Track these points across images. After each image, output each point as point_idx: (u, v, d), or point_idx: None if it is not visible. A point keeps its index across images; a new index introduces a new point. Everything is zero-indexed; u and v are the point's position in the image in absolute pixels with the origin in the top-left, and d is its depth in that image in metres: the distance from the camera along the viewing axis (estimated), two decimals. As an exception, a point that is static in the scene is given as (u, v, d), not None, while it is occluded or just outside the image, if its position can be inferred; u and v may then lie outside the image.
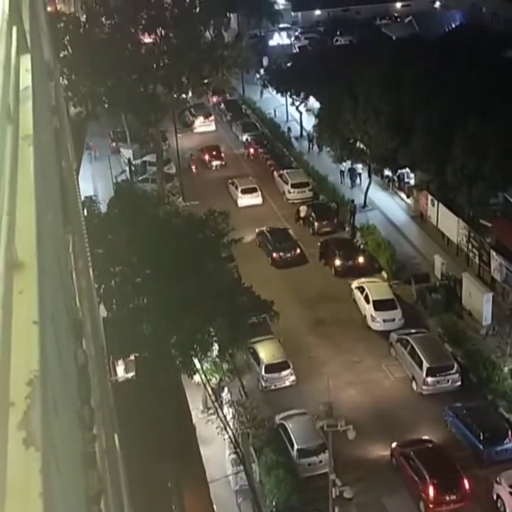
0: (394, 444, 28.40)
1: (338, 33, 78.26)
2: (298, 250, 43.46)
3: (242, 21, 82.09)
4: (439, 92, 40.24)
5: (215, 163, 57.58)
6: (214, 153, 58.57)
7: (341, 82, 47.05)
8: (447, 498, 25.92)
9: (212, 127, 63.73)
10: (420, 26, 70.31)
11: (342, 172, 52.17)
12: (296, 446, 27.96)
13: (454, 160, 38.01)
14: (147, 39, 51.15)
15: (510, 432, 28.14)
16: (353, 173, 51.57)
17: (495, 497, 25.87)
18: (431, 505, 25.81)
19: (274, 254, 42.80)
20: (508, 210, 39.03)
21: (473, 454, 28.10)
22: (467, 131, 36.98)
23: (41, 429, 2.29)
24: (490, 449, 27.68)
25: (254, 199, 51.04)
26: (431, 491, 25.78)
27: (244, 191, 51.23)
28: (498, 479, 26.11)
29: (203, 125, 63.86)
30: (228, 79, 57.10)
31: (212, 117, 64.62)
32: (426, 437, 28.93)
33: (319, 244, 44.32)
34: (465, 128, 37.10)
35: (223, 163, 57.72)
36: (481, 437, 27.89)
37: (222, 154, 58.62)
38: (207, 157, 57.99)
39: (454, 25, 70.41)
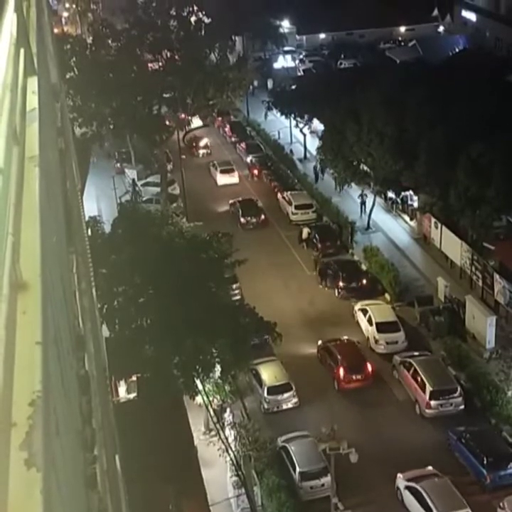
0: (319, 342, 36.15)
1: (342, 56, 78.88)
2: (262, 216, 51.29)
3: (247, 44, 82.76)
4: (443, 115, 40.43)
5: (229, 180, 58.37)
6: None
7: (345, 104, 47.31)
8: (354, 377, 33.05)
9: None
10: (424, 50, 70.83)
11: (363, 204, 51.26)
12: (298, 469, 27.76)
13: (457, 183, 38.12)
14: (153, 61, 51.58)
15: (513, 456, 27.94)
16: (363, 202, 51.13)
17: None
18: (342, 383, 33.33)
19: (242, 220, 50.75)
20: (512, 233, 39.09)
21: (477, 478, 27.85)
22: (471, 155, 37.11)
23: (43, 450, 2.29)
24: (493, 474, 27.43)
25: (232, 178, 58.41)
26: (341, 372, 33.14)
27: (223, 171, 58.74)
28: (501, 504, 25.87)
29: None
30: (233, 100, 57.44)
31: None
32: (345, 337, 36.40)
33: (315, 262, 44.44)
34: (468, 151, 37.24)
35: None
36: (485, 462, 27.66)
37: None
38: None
39: (457, 50, 70.90)
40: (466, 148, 37.60)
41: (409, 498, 26.99)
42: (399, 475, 27.78)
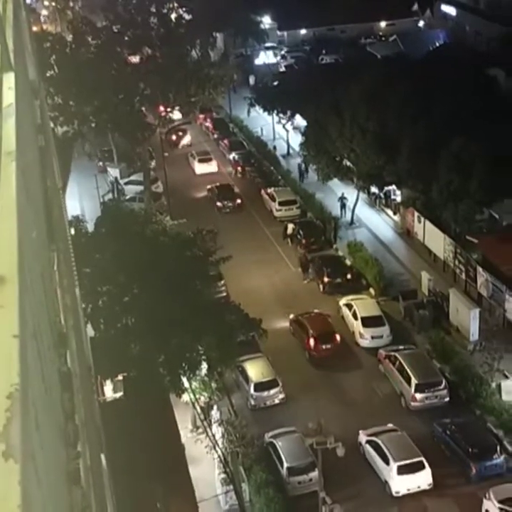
0: (291, 315, 38.09)
1: (324, 51, 78.95)
2: (238, 201, 53.32)
3: (228, 40, 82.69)
4: (425, 110, 40.59)
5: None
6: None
7: (327, 100, 47.38)
8: (324, 347, 35.26)
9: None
10: (405, 45, 71.06)
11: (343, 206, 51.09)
12: (285, 465, 27.83)
13: (439, 177, 38.31)
14: (133, 58, 51.39)
15: (498, 448, 28.12)
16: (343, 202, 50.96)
17: (484, 513, 25.83)
18: (313, 352, 35.44)
19: (218, 204, 53.24)
20: (494, 226, 39.33)
21: (462, 469, 28.04)
22: (452, 149, 37.31)
23: (21, 443, 2.29)
24: (478, 465, 27.62)
25: (210, 167, 59.93)
26: (312, 342, 35.27)
27: (201, 160, 60.42)
28: (486, 495, 26.06)
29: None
30: (215, 97, 57.41)
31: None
32: (317, 310, 38.29)
33: (300, 258, 44.66)
34: (450, 146, 37.43)
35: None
36: (470, 453, 27.86)
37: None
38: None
39: (437, 44, 71.19)
40: (448, 143, 37.79)
41: (369, 451, 28.82)
42: (361, 431, 29.63)
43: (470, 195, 37.23)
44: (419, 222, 45.83)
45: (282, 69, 76.46)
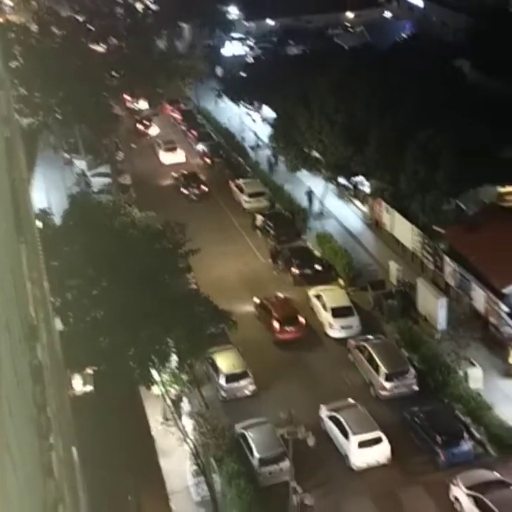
0: (256, 299, 38.76)
1: (291, 42, 78.88)
2: (204, 188, 54.00)
3: (195, 31, 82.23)
4: (392, 101, 40.82)
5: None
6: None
7: (295, 91, 47.39)
8: (288, 329, 36.17)
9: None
10: (371, 36, 71.30)
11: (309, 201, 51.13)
12: (256, 455, 27.92)
13: (407, 168, 38.57)
14: (99, 49, 50.91)
15: (466, 435, 28.51)
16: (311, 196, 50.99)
17: (452, 499, 26.15)
18: (277, 335, 36.37)
19: (184, 191, 54.14)
20: (461, 216, 39.73)
21: (431, 457, 28.38)
22: (420, 140, 37.58)
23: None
24: (447, 452, 27.99)
25: (177, 157, 60.00)
26: (276, 324, 36.14)
27: (167, 150, 60.14)
28: (454, 481, 26.44)
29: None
30: (182, 89, 57.15)
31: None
32: (280, 294, 39.22)
33: (269, 250, 44.86)
34: (417, 137, 37.70)
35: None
36: (438, 440, 28.21)
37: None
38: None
39: (404, 35, 71.52)
40: (415, 134, 38.05)
41: (329, 425, 29.76)
42: (321, 406, 30.61)
43: (437, 186, 37.56)
44: (388, 212, 46.16)
45: (250, 60, 76.28)
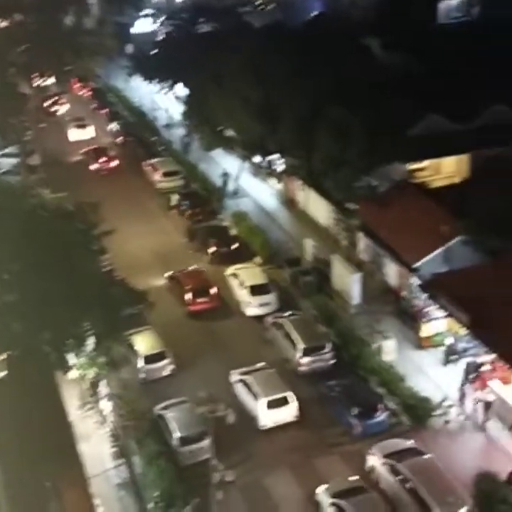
0: (166, 274, 39.16)
1: (202, 20, 78.03)
2: (115, 162, 55.09)
3: (104, 7, 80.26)
4: (305, 79, 41.03)
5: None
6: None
7: (208, 69, 47.06)
8: (200, 300, 36.84)
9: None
10: (283, 14, 71.36)
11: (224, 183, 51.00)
12: (176, 435, 27.93)
13: (320, 146, 38.96)
14: (1, 24, 49.07)
15: (380, 406, 29.30)
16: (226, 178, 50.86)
17: (369, 468, 26.90)
18: (190, 307, 36.88)
19: (94, 166, 54.93)
20: (373, 193, 40.48)
21: (347, 429, 29.07)
22: (331, 118, 37.97)
23: None
24: (362, 423, 28.72)
25: (86, 133, 60.71)
26: (189, 296, 36.81)
27: (76, 126, 60.96)
28: (370, 451, 27.19)
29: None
30: (92, 66, 55.88)
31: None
32: (195, 267, 39.94)
33: (185, 229, 44.89)
34: (329, 114, 38.09)
35: None
36: (354, 412, 28.90)
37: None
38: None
39: (315, 13, 71.90)
40: (327, 112, 38.42)
41: (240, 389, 30.67)
42: (232, 371, 31.54)
43: (349, 164, 38.12)
44: (302, 190, 46.65)
45: (161, 37, 75.11)
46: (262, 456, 28.06)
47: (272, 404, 29.38)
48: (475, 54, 47.54)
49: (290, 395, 29.70)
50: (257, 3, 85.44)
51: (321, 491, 25.76)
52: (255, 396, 29.78)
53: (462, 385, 30.44)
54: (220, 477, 24.09)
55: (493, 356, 29.34)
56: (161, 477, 25.69)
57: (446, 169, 44.60)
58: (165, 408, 29.30)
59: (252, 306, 37.07)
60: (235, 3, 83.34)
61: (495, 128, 42.02)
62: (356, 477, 26.10)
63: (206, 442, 26.29)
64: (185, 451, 27.67)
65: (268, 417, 29.35)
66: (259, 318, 36.39)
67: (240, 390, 30.81)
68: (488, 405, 29.14)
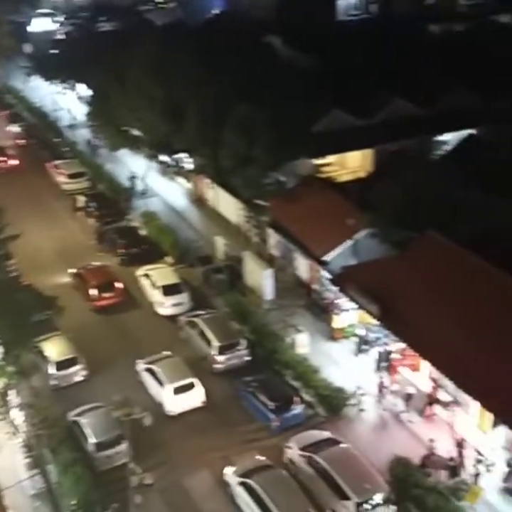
0: (69, 270, 39.10)
1: (103, 19, 76.91)
2: (15, 161, 54.24)
3: None
4: (208, 78, 41.00)
5: None
6: None
7: (110, 69, 46.39)
8: (105, 296, 37.00)
9: None
10: (184, 12, 71.13)
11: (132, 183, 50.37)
12: (92, 441, 27.42)
13: (226, 144, 39.03)
14: None
15: (296, 399, 29.64)
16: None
17: (287, 461, 27.14)
18: (96, 302, 36.97)
19: None
20: (281, 189, 40.88)
21: (265, 424, 29.26)
22: (236, 116, 38.09)
23: None
24: (279, 417, 28.96)
25: None
26: (93, 292, 36.87)
27: None
28: (288, 444, 27.47)
29: None
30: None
31: None
32: (98, 263, 39.63)
33: (94, 231, 44.32)
34: (235, 112, 38.20)
35: None
36: (270, 407, 29.12)
37: None
38: None
39: (216, 11, 72.03)
40: (232, 109, 38.52)
41: (146, 377, 31.28)
42: (137, 361, 32.12)
43: (256, 161, 38.36)
44: (211, 188, 46.66)
45: (60, 36, 73.52)
46: (181, 458, 27.87)
47: (178, 390, 29.96)
48: (375, 50, 48.78)
49: (196, 381, 30.32)
50: (157, 1, 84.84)
51: (229, 472, 26.19)
52: (161, 383, 30.20)
53: (376, 373, 31.20)
54: (139, 480, 23.79)
55: (402, 345, 30.17)
56: (78, 484, 25.17)
57: (351, 164, 45.60)
58: (79, 414, 28.72)
59: (165, 307, 36.82)
60: (136, 2, 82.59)
61: (396, 122, 43.25)
62: (263, 457, 26.62)
63: (123, 446, 25.93)
64: (102, 456, 27.21)
65: (175, 403, 29.91)
66: (172, 318, 36.17)
67: (146, 379, 31.21)
68: (401, 394, 29.97)
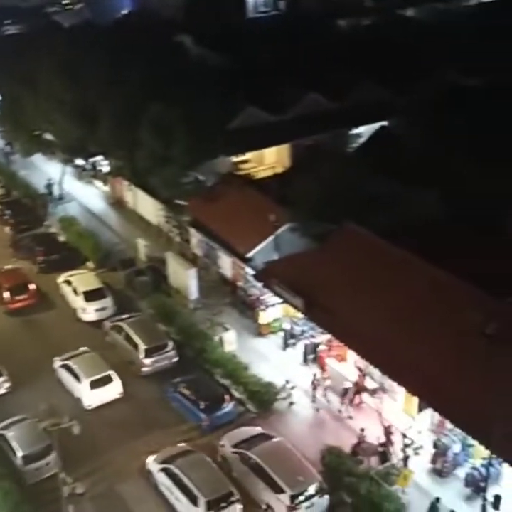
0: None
1: (8, 21, 74.89)
2: None
3: None
4: (120, 78, 40.54)
5: None
6: None
7: (19, 72, 45.32)
8: (18, 298, 37.02)
9: None
10: (92, 13, 70.08)
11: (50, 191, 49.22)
12: (19, 454, 26.74)
13: (142, 145, 38.70)
14: None
15: (226, 397, 29.68)
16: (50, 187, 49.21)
17: (220, 459, 27.14)
18: (9, 305, 37.08)
19: None
20: (201, 188, 40.86)
21: (196, 423, 29.18)
22: (151, 116, 37.80)
23: None
24: (210, 416, 28.92)
25: None
26: (6, 294, 36.98)
27: None
28: (221, 443, 27.49)
29: None
30: None
31: None
32: (10, 266, 39.72)
33: (10, 240, 43.43)
34: (149, 112, 37.90)
35: None
36: (201, 406, 29.05)
37: None
38: None
39: (125, 12, 71.27)
40: (146, 109, 38.21)
41: (63, 375, 31.54)
42: (54, 358, 32.27)
43: (173, 160, 38.18)
44: (129, 190, 46.18)
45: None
46: (113, 464, 27.49)
47: (95, 384, 30.24)
48: (285, 46, 49.31)
49: (113, 374, 30.71)
50: (64, 2, 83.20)
51: (150, 461, 26.51)
52: (78, 378, 30.38)
53: (304, 366, 31.54)
54: (70, 490, 23.34)
55: (328, 336, 30.61)
56: (6, 499, 24.51)
57: (269, 160, 46.02)
58: (5, 428, 27.97)
59: (88, 312, 36.25)
60: (42, 3, 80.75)
61: (310, 117, 43.85)
62: (183, 444, 27.17)
63: (52, 457, 25.41)
64: (31, 469, 26.56)
65: (92, 397, 30.20)
66: (97, 324, 35.64)
67: (63, 375, 31.38)
68: (336, 390, 30.21)
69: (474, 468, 25.45)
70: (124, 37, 45.89)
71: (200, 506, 24.11)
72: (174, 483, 25.12)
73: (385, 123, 44.36)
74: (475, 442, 24.09)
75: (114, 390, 30.69)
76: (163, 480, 25.64)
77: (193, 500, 24.32)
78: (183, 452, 26.52)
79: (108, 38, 46.10)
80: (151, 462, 26.48)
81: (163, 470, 25.74)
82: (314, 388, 30.24)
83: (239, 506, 24.55)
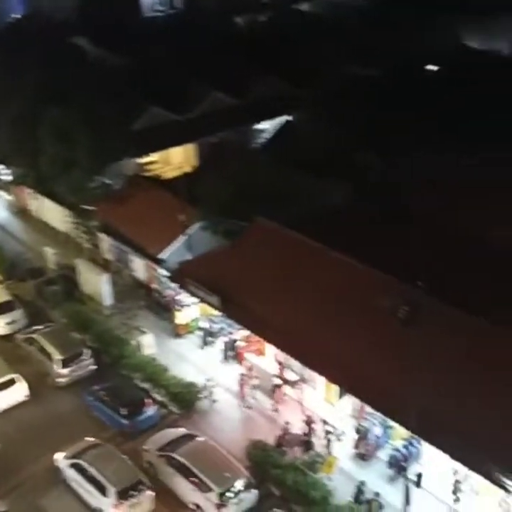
0: None
1: None
2: None
3: None
4: (16, 84, 39.46)
5: None
6: None
7: None
8: None
9: None
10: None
11: None
12: None
13: (44, 151, 37.80)
14: None
15: (147, 400, 29.39)
16: None
17: (146, 464, 26.90)
18: None
19: None
20: (108, 191, 40.25)
21: (119, 430, 28.79)
22: (51, 121, 36.97)
23: None
24: (133, 422, 28.57)
25: None
26: None
27: None
28: (145, 447, 27.21)
29: None
30: None
31: None
32: None
33: None
34: (48, 117, 37.04)
35: None
36: (122, 412, 28.66)
37: None
38: None
39: (16, 16, 69.37)
40: (47, 115, 37.34)
41: None
42: None
43: (78, 165, 37.47)
44: (34, 198, 45.06)
45: None
46: (36, 479, 26.80)
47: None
48: (185, 45, 49.13)
49: (17, 377, 30.35)
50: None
51: (59, 458, 26.50)
52: None
53: (224, 363, 31.61)
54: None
55: (246, 332, 30.76)
56: None
57: (176, 159, 45.80)
58: None
59: (-1, 327, 35.17)
60: None
61: (214, 114, 43.92)
62: (92, 438, 27.18)
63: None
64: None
65: None
66: (8, 338, 34.59)
67: None
68: (263, 388, 30.33)
69: (396, 450, 26.13)
70: (17, 41, 44.66)
71: (110, 496, 24.33)
72: (84, 477, 25.25)
73: (289, 117, 44.88)
74: (394, 424, 24.76)
75: (19, 392, 30.27)
76: (72, 475, 25.71)
77: (103, 491, 24.56)
78: (91, 446, 26.61)
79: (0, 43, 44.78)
80: (60, 459, 26.45)
81: (73, 465, 25.79)
82: (241, 387, 30.23)
83: (149, 493, 24.90)
